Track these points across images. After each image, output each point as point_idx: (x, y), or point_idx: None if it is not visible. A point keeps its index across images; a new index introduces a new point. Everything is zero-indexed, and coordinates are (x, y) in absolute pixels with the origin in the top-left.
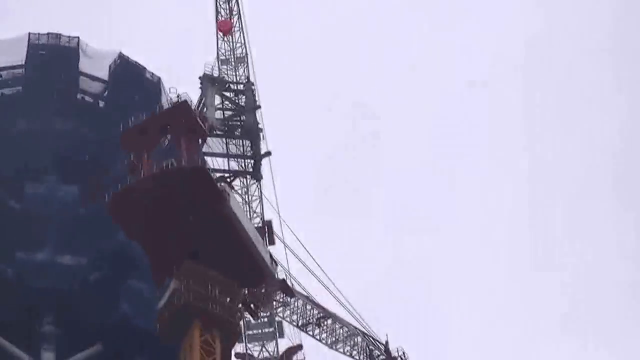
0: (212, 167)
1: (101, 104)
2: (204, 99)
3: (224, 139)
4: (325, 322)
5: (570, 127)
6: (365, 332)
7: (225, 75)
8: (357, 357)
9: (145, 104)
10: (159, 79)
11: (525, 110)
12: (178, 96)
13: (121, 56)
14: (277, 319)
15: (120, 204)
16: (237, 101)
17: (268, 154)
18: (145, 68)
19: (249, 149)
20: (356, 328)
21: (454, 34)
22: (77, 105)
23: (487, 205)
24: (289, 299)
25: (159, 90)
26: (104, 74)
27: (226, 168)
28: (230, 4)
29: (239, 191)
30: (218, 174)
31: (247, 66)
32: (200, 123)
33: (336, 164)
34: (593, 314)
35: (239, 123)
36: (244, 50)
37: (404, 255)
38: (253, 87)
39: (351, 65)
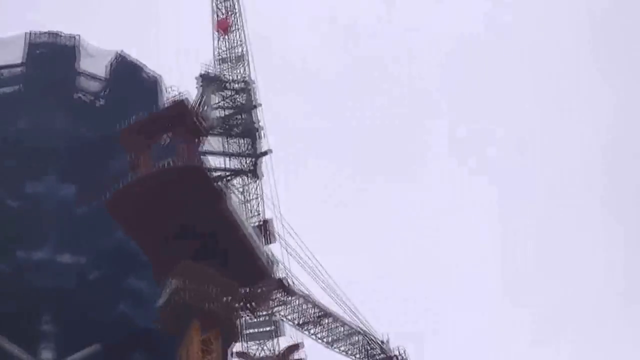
0: (211, 165)
1: (100, 102)
2: (202, 97)
3: (223, 138)
4: (325, 321)
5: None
6: (365, 331)
7: (224, 74)
8: (357, 356)
9: (144, 103)
10: (157, 77)
11: None
12: (179, 94)
13: (120, 55)
14: (275, 317)
15: (119, 202)
16: (236, 100)
17: (267, 152)
18: (143, 67)
19: (248, 147)
20: (355, 327)
21: None
22: (76, 104)
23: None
24: (287, 298)
25: (157, 89)
26: (102, 72)
27: (225, 167)
28: (228, 3)
29: (239, 189)
30: (217, 173)
31: (246, 65)
32: (199, 122)
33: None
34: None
35: (238, 122)
36: (242, 49)
37: (404, 254)
38: (253, 86)
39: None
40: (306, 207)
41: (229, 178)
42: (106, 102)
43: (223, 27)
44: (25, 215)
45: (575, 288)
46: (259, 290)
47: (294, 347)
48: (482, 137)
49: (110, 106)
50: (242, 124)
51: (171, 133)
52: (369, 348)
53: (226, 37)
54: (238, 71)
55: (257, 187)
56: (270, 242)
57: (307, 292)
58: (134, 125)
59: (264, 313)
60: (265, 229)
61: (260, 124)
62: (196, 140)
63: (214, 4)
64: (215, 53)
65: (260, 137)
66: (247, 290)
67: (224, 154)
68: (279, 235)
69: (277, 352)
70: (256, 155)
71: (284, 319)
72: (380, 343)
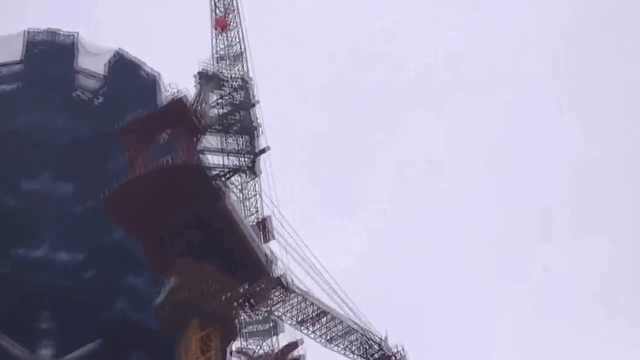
0: (210, 163)
1: (98, 100)
2: (200, 95)
3: (221, 135)
4: (323, 319)
5: None
6: (363, 329)
7: (223, 72)
8: (355, 354)
9: (142, 101)
10: (156, 75)
11: None
12: (178, 92)
13: (118, 53)
14: (274, 315)
15: (117, 200)
16: (234, 97)
17: (265, 150)
18: (142, 65)
19: (247, 144)
20: (354, 325)
21: None
22: (74, 102)
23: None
24: (286, 296)
25: (156, 87)
26: (101, 70)
27: (224, 165)
28: (226, 1)
29: (237, 187)
30: (215, 171)
31: (245, 63)
32: (197, 120)
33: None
34: None
35: (236, 119)
36: (240, 47)
37: (403, 253)
38: (251, 84)
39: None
40: (305, 206)
41: (227, 176)
42: (105, 99)
43: (221, 24)
44: (22, 213)
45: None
46: (258, 289)
47: (293, 345)
48: None
49: (109, 104)
50: (240, 121)
51: (169, 131)
52: (367, 346)
53: (224, 34)
54: (236, 69)
55: (255, 185)
56: (269, 240)
57: (306, 290)
58: (132, 123)
59: (263, 311)
60: (263, 226)
61: (258, 121)
62: (194, 138)
63: (212, 2)
64: (214, 51)
65: (258, 135)
66: (246, 288)
67: (222, 151)
68: (277, 233)
69: (276, 350)
70: (254, 152)
71: (283, 317)
72: (378, 341)
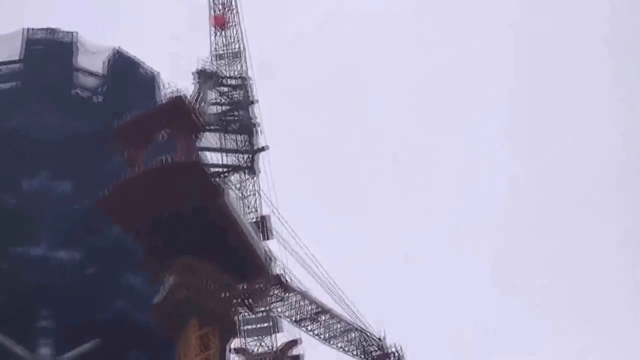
0: (208, 162)
1: (97, 98)
2: (199, 94)
3: (220, 134)
4: (321, 318)
5: None
6: (361, 327)
7: (221, 70)
8: (353, 353)
9: (141, 99)
10: (155, 74)
11: None
12: (177, 90)
13: (117, 51)
14: (273, 314)
15: (116, 199)
16: (233, 96)
17: (264, 148)
18: (141, 63)
19: (245, 143)
20: (352, 323)
21: None
22: (73, 100)
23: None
24: (284, 294)
25: (154, 85)
26: (100, 69)
27: (222, 163)
28: None
29: (236, 186)
30: (214, 169)
31: (243, 61)
32: (196, 118)
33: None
34: None
35: (235, 118)
36: (239, 46)
37: (401, 250)
38: (249, 82)
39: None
40: (303, 203)
41: (226, 174)
42: (104, 98)
43: (219, 23)
44: (21, 211)
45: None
46: (257, 287)
47: (292, 344)
48: None
49: (108, 102)
50: (239, 120)
51: (168, 129)
52: (365, 344)
53: (223, 33)
54: (235, 67)
55: (254, 184)
56: (268, 239)
57: (304, 289)
58: (130, 121)
59: (262, 309)
60: (262, 225)
61: (257, 120)
62: (194, 136)
63: (210, 0)
64: (212, 48)
65: (257, 133)
66: (245, 286)
67: (220, 150)
68: (275, 232)
69: (275, 349)
70: (253, 151)
71: (282, 316)
72: (377, 340)
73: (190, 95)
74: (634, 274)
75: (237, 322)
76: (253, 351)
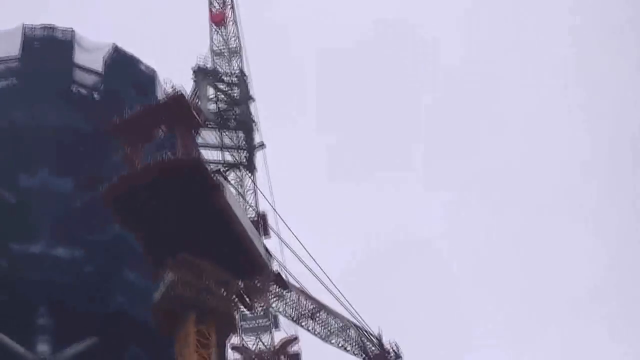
0: (206, 159)
1: (96, 96)
2: (197, 90)
3: (217, 131)
4: (319, 315)
5: None
6: (359, 325)
7: (219, 67)
8: (351, 350)
9: (140, 96)
10: (154, 70)
11: None
12: (173, 88)
13: (116, 48)
14: (271, 311)
15: (116, 195)
16: (230, 93)
17: (262, 145)
18: (139, 60)
19: (243, 140)
20: (350, 321)
21: None
22: (72, 97)
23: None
24: (283, 292)
25: (153, 82)
26: (98, 66)
27: (220, 160)
28: None
29: (234, 183)
30: (212, 166)
31: (241, 58)
32: (196, 115)
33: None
34: None
35: (232, 115)
36: (237, 43)
37: (399, 248)
38: (246, 79)
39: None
40: (301, 202)
41: (225, 171)
42: (103, 95)
43: (217, 20)
44: (20, 208)
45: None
46: (257, 284)
47: (290, 341)
48: None
49: (107, 99)
50: (237, 117)
51: (168, 126)
52: (365, 341)
53: (221, 30)
54: (233, 64)
55: (251, 181)
56: (266, 236)
57: (302, 286)
58: (130, 117)
59: (261, 306)
60: (260, 222)
61: (254, 117)
62: (193, 132)
63: None
64: (211, 44)
65: (254, 131)
66: (244, 283)
67: (218, 147)
68: (272, 229)
69: (273, 346)
70: (251, 148)
71: (280, 313)
72: (376, 337)
73: (189, 93)
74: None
75: (237, 319)
76: (251, 348)
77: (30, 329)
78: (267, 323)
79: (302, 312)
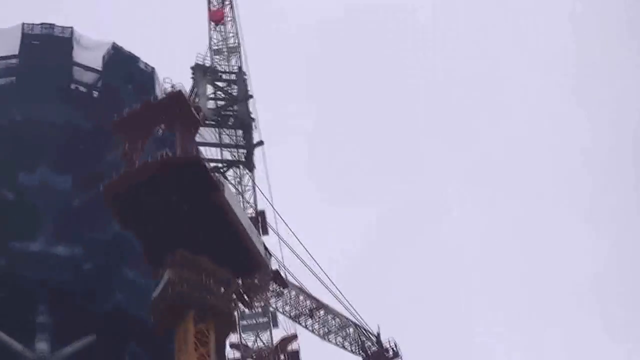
0: (205, 157)
1: (95, 93)
2: (196, 88)
3: (216, 129)
4: (318, 313)
5: None
6: (358, 323)
7: (218, 65)
8: (350, 348)
9: (139, 94)
10: (153, 69)
11: None
12: (172, 86)
13: (115, 46)
14: (270, 309)
15: (115, 192)
16: (229, 91)
17: (260, 143)
18: (138, 58)
19: (241, 138)
20: (348, 319)
21: None
22: (71, 95)
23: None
24: (282, 290)
25: (152, 80)
26: (97, 64)
27: (219, 158)
28: None
29: (232, 181)
30: (212, 164)
31: (240, 56)
32: (196, 113)
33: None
34: None
35: (231, 113)
36: (236, 40)
37: (398, 240)
38: (245, 77)
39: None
40: (299, 200)
41: (223, 169)
42: (102, 93)
43: (216, 17)
44: (19, 206)
45: None
46: (256, 282)
47: (290, 339)
48: None
49: (106, 97)
50: (236, 115)
51: (167, 123)
52: (363, 339)
53: (220, 28)
54: (232, 62)
55: (250, 179)
56: (264, 234)
57: (301, 284)
58: (130, 114)
59: (260, 304)
60: (259, 220)
61: (252, 115)
62: (192, 130)
63: None
64: (211, 43)
65: (253, 128)
66: (244, 281)
67: (217, 145)
68: (270, 227)
69: (272, 344)
70: (250, 146)
71: (279, 311)
72: (375, 336)
73: (188, 90)
74: None
75: (237, 317)
76: (250, 346)
77: (30, 327)
78: (266, 321)
79: (301, 310)
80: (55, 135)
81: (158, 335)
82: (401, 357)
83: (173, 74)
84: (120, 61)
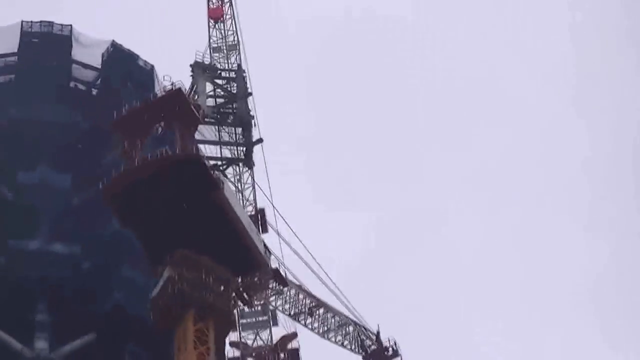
0: (204, 154)
1: (94, 92)
2: (195, 86)
3: (215, 127)
4: (318, 312)
5: None
6: (357, 321)
7: (217, 63)
8: (349, 347)
9: (138, 92)
10: (152, 66)
11: None
12: (172, 84)
13: (114, 44)
14: (270, 307)
15: (115, 191)
16: (228, 88)
17: (260, 141)
18: (138, 56)
19: (241, 136)
20: (348, 318)
21: None
22: (70, 93)
23: None
24: (281, 288)
25: (152, 78)
26: (96, 62)
27: (218, 155)
28: None
29: (232, 179)
30: (211, 162)
31: (239, 54)
32: (195, 110)
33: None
34: None
35: (230, 110)
36: (235, 38)
37: (396, 245)
38: (244, 75)
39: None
40: (299, 199)
41: (223, 167)
42: (100, 91)
43: (215, 15)
44: (18, 205)
45: None
46: (256, 280)
47: (289, 337)
48: None
49: (105, 95)
50: (235, 112)
51: (166, 121)
52: (363, 338)
53: (219, 25)
54: (231, 60)
55: (249, 177)
56: (264, 232)
57: (301, 283)
58: (129, 112)
59: (259, 303)
60: (258, 218)
61: (252, 113)
62: (192, 128)
63: None
64: (211, 40)
65: (252, 126)
66: (243, 280)
67: (216, 142)
68: (270, 226)
69: (272, 342)
70: (249, 144)
71: (278, 309)
72: (374, 334)
73: (187, 88)
74: None
75: (236, 315)
76: (250, 345)
77: (29, 325)
78: (266, 319)
79: (301, 309)
80: (54, 133)
81: (159, 334)
82: (401, 356)
83: (172, 71)
84: (119, 59)
